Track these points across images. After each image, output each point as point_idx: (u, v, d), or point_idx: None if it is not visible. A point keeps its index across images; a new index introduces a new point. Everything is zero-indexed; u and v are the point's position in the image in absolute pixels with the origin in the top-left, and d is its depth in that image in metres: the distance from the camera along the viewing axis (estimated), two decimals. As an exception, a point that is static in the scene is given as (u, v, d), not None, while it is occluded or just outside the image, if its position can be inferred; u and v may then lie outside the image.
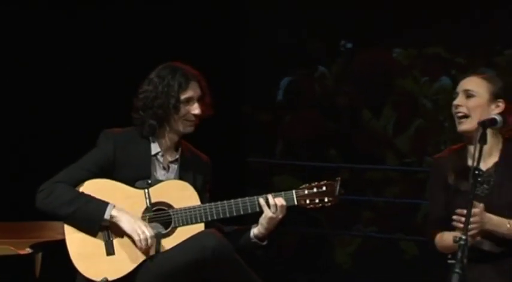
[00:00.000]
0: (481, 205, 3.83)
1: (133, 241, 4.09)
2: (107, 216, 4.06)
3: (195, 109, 4.19)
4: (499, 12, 7.22)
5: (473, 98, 4.00)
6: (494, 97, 4.02)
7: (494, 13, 7.20)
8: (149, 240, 4.06)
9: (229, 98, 6.90)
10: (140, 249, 4.06)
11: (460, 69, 7.11)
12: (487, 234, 3.90)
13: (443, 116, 7.36)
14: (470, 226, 3.71)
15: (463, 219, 3.72)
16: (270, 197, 4.15)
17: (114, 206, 4.08)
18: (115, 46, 6.93)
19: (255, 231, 4.22)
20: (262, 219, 4.19)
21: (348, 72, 7.85)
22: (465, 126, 3.98)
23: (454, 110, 4.02)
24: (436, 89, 7.59)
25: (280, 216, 4.16)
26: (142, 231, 4.06)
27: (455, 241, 3.59)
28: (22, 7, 6.79)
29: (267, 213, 4.15)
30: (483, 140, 3.79)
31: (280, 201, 4.14)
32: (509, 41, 7.30)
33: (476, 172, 3.73)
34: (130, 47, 6.89)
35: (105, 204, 4.08)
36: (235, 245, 4.20)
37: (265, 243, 4.23)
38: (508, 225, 3.87)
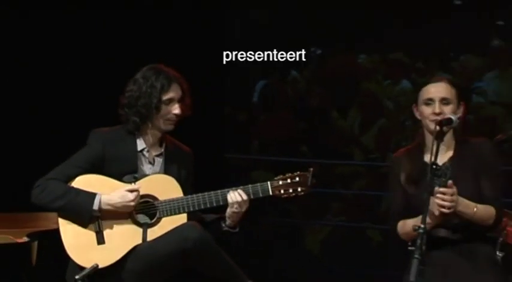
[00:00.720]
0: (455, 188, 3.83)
1: (121, 231, 4.11)
2: (95, 207, 4.07)
3: (176, 109, 4.19)
4: (454, 21, 7.26)
5: (449, 105, 3.98)
6: (459, 100, 4.04)
7: (451, 22, 7.24)
8: (134, 202, 4.08)
9: (211, 99, 6.91)
10: (127, 230, 4.09)
11: (419, 73, 7.14)
12: (444, 221, 3.89)
13: (404, 116, 7.39)
14: (449, 204, 3.75)
15: (446, 197, 3.76)
16: (233, 191, 4.15)
17: (102, 195, 4.09)
18: (103, 49, 6.87)
19: (226, 221, 4.23)
20: (227, 214, 4.20)
21: (318, 76, 7.85)
22: (445, 128, 3.93)
23: (432, 117, 3.94)
24: (398, 91, 7.61)
25: (243, 210, 4.16)
26: (128, 197, 4.07)
27: (414, 230, 3.60)
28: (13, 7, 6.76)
29: (231, 206, 4.16)
30: (440, 138, 3.83)
31: (239, 195, 4.14)
32: (463, 47, 7.34)
33: (434, 166, 3.76)
34: (118, 49, 6.84)
35: (93, 195, 4.09)
36: (215, 234, 4.22)
37: (236, 230, 4.23)
38: (475, 209, 3.86)
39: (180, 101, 4.21)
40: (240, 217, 4.18)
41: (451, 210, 3.79)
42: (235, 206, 4.14)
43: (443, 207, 3.76)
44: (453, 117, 3.92)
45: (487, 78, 7.48)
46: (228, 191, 4.15)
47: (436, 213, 3.77)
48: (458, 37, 7.23)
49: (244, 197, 4.15)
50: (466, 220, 3.90)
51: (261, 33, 7.77)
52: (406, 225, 4.01)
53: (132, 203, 4.06)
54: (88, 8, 6.92)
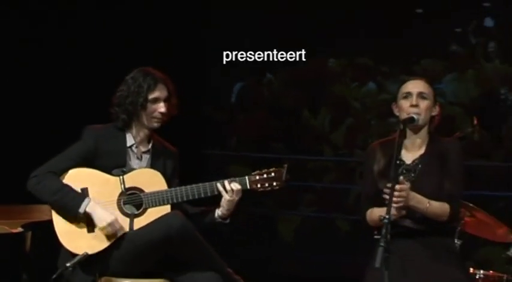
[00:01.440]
0: (408, 184, 3.83)
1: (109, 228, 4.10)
2: (81, 210, 4.05)
3: (161, 108, 4.17)
4: (416, 28, 7.29)
5: (426, 100, 3.97)
6: (435, 101, 4.03)
7: (413, 29, 7.27)
8: (113, 226, 4.03)
9: (193, 100, 6.92)
10: (108, 234, 4.05)
11: (384, 76, 7.17)
12: (409, 212, 3.89)
13: (370, 115, 7.44)
14: (397, 199, 3.74)
15: (395, 193, 3.74)
16: (226, 183, 4.14)
17: (90, 201, 4.06)
18: (98, 52, 6.90)
19: (218, 212, 4.20)
20: (223, 203, 4.18)
21: (291, 79, 7.89)
22: (419, 122, 3.93)
23: (409, 110, 3.92)
24: (364, 93, 7.64)
25: (236, 199, 4.15)
26: (109, 224, 4.04)
27: (380, 220, 3.60)
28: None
29: (225, 196, 4.14)
30: (403, 135, 3.81)
31: (235, 186, 4.13)
32: (424, 52, 7.37)
33: (398, 161, 3.77)
34: (110, 53, 6.83)
35: (82, 198, 4.07)
36: (202, 224, 4.20)
37: (228, 221, 4.22)
38: (428, 205, 3.85)
39: (166, 100, 4.21)
40: (234, 206, 4.17)
41: (400, 204, 3.78)
42: (230, 194, 4.13)
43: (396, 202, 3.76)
44: (415, 117, 3.91)
45: (445, 80, 7.53)
46: (214, 185, 4.14)
47: (395, 206, 3.77)
48: (419, 43, 7.28)
49: (239, 186, 4.15)
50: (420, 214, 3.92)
51: (240, 38, 7.78)
52: (373, 214, 4.02)
53: (105, 223, 4.04)
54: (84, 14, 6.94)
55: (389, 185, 3.70)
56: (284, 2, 7.63)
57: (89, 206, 4.06)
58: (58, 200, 4.06)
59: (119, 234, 4.05)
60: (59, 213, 4.09)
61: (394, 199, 3.74)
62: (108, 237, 4.05)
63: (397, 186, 3.76)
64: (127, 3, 7.11)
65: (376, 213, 3.99)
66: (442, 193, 3.93)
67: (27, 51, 6.72)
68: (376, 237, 3.80)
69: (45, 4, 6.84)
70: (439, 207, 3.90)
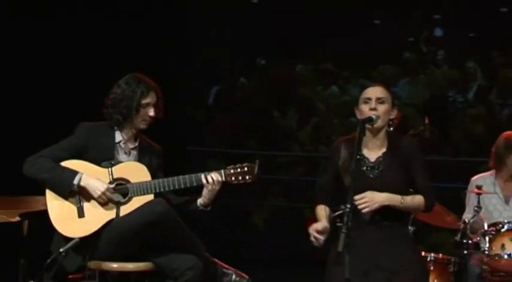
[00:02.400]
0: (368, 192, 3.79)
1: (98, 207, 4.07)
2: (76, 181, 4.03)
3: (151, 112, 4.18)
4: (374, 37, 7.33)
5: (384, 105, 3.90)
6: (393, 105, 3.97)
7: (371, 38, 7.31)
8: (106, 194, 4.05)
9: (175, 101, 6.89)
10: (105, 207, 4.06)
11: (345, 80, 7.20)
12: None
13: (333, 115, 7.47)
14: (362, 204, 3.74)
15: (361, 201, 3.74)
16: (208, 174, 4.12)
17: (83, 174, 4.06)
18: (88, 58, 6.87)
19: (200, 201, 4.17)
20: (204, 192, 4.15)
21: (262, 82, 7.90)
22: (376, 125, 3.88)
23: (369, 113, 3.86)
24: (328, 95, 7.67)
25: (216, 189, 4.13)
26: (103, 192, 4.05)
27: (342, 209, 3.59)
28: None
29: (207, 186, 4.12)
30: (362, 133, 3.79)
31: (216, 176, 4.12)
32: (381, 59, 7.42)
33: (358, 156, 3.76)
34: (100, 60, 6.81)
35: (75, 172, 4.07)
36: (186, 211, 4.19)
37: (209, 208, 4.19)
38: (402, 201, 3.82)
39: (155, 105, 4.22)
40: (215, 196, 4.15)
41: (371, 209, 3.78)
42: (211, 184, 4.11)
43: (364, 208, 3.77)
44: (373, 116, 3.90)
45: (400, 84, 7.59)
46: (193, 177, 4.13)
47: (365, 211, 3.77)
48: (377, 50, 7.32)
49: (220, 178, 4.13)
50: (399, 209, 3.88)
51: (216, 46, 7.79)
52: (317, 211, 3.99)
53: (99, 192, 4.04)
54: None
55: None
56: (258, 13, 7.65)
57: (82, 179, 4.05)
58: (53, 176, 4.05)
59: (113, 216, 4.04)
60: (52, 191, 4.07)
61: (363, 206, 3.75)
62: (98, 219, 4.04)
63: (356, 197, 3.74)
64: (112, 11, 7.07)
65: (319, 212, 3.97)
66: (408, 186, 3.91)
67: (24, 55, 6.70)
68: (338, 224, 3.77)
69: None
70: (412, 201, 3.87)
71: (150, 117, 4.19)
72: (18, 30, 6.76)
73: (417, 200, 3.90)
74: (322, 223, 3.86)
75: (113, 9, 7.03)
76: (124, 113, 4.17)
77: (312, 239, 3.83)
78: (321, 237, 3.77)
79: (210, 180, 4.12)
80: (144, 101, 4.17)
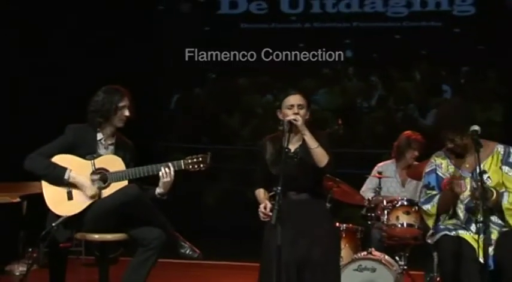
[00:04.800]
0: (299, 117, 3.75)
1: (83, 192, 4.04)
2: (66, 177, 4.01)
3: (127, 113, 4.14)
4: (300, 57, 7.37)
5: (303, 109, 3.86)
6: (309, 106, 3.94)
7: (296, 58, 7.35)
8: (92, 190, 4.02)
9: (144, 106, 6.83)
10: (88, 195, 4.02)
11: (278, 90, 7.21)
12: (293, 185, 3.81)
13: (269, 119, 7.48)
14: (295, 117, 3.73)
15: (265, 211, 3.76)
16: (167, 164, 4.07)
17: (71, 171, 4.03)
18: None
19: (158, 190, 4.12)
20: (160, 183, 4.10)
21: (214, 92, 7.90)
22: (298, 123, 3.79)
23: (292, 117, 3.79)
24: (264, 102, 7.71)
25: (170, 180, 4.06)
26: (87, 186, 4.03)
27: (274, 191, 3.58)
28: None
29: (161, 178, 4.07)
30: (291, 130, 3.78)
31: (169, 170, 4.05)
32: (306, 73, 7.47)
33: (286, 149, 3.77)
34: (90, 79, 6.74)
35: (65, 169, 4.03)
36: (151, 197, 4.13)
37: (165, 197, 4.13)
38: (317, 145, 3.76)
39: (129, 107, 4.18)
40: (170, 186, 4.09)
41: (297, 123, 3.72)
42: (165, 176, 4.07)
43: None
44: (296, 118, 3.84)
45: (320, 93, 7.66)
46: (158, 166, 4.09)
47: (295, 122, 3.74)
48: (303, 67, 7.37)
49: (171, 169, 4.09)
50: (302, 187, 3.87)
51: (177, 64, 7.76)
52: (257, 193, 3.98)
53: (87, 186, 4.02)
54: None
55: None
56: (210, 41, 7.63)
57: (70, 176, 4.01)
58: (47, 174, 4.02)
59: (95, 198, 4.00)
60: (50, 184, 4.02)
61: (263, 215, 3.75)
62: (83, 201, 4.00)
63: (291, 116, 3.75)
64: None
65: (258, 194, 3.96)
66: (318, 166, 3.84)
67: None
68: (272, 203, 3.77)
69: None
70: (322, 152, 3.80)
71: (126, 116, 4.15)
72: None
73: (325, 155, 3.81)
74: (267, 204, 3.83)
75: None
76: (105, 115, 4.12)
77: (263, 216, 3.80)
78: (270, 213, 3.73)
79: (163, 172, 4.04)
80: (120, 104, 4.13)
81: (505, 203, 3.62)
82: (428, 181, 3.83)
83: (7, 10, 6.70)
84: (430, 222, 3.82)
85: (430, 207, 3.79)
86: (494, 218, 3.63)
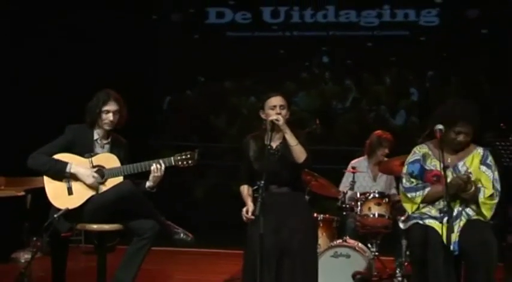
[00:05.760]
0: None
1: (83, 186, 3.99)
2: (67, 170, 3.97)
3: (110, 117, 4.06)
4: (280, 63, 7.39)
5: (284, 110, 3.85)
6: (289, 107, 3.92)
7: (278, 63, 7.36)
8: (92, 177, 3.99)
9: (140, 107, 6.80)
10: (88, 187, 3.99)
11: (261, 92, 7.17)
12: (275, 180, 3.80)
13: (253, 119, 7.46)
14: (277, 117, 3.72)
15: (248, 215, 3.74)
16: (158, 161, 4.03)
17: (72, 163, 3.99)
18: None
19: (147, 184, 4.07)
20: (150, 177, 4.05)
21: (202, 95, 7.88)
22: (280, 123, 3.78)
23: (274, 117, 3.77)
24: (249, 104, 7.70)
25: (159, 175, 4.01)
26: (88, 174, 4.00)
27: (257, 184, 3.57)
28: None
29: (152, 173, 4.03)
30: (274, 129, 3.77)
31: (160, 166, 4.00)
32: (286, 77, 7.49)
33: (269, 147, 3.79)
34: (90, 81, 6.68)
35: (66, 163, 3.99)
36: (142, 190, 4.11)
37: (154, 190, 4.08)
38: (297, 142, 3.74)
39: (116, 113, 4.11)
40: (159, 180, 4.05)
41: (279, 122, 3.71)
42: (155, 171, 4.05)
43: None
44: (278, 117, 3.84)
45: (299, 95, 7.68)
46: (150, 163, 4.07)
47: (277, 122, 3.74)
48: (283, 72, 7.38)
49: (162, 165, 4.06)
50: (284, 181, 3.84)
51: (170, 69, 7.73)
52: (241, 189, 3.96)
53: (90, 176, 3.98)
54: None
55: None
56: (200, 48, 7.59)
57: (72, 167, 3.98)
58: (50, 169, 3.96)
59: (93, 193, 3.97)
60: (52, 179, 3.98)
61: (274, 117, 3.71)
62: (83, 195, 3.96)
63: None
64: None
65: (243, 190, 3.94)
66: (297, 162, 3.82)
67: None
68: (255, 195, 3.78)
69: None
70: (300, 148, 3.78)
71: (111, 121, 4.07)
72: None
73: (304, 152, 3.79)
74: (251, 207, 3.81)
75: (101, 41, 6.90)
76: (92, 117, 4.08)
77: (245, 219, 3.80)
78: (252, 217, 3.72)
79: (154, 168, 4.01)
80: (104, 108, 4.06)
81: (481, 197, 3.66)
82: (412, 170, 3.77)
83: (7, 10, 6.61)
84: (409, 208, 3.76)
85: (415, 196, 3.73)
86: (468, 210, 3.67)
